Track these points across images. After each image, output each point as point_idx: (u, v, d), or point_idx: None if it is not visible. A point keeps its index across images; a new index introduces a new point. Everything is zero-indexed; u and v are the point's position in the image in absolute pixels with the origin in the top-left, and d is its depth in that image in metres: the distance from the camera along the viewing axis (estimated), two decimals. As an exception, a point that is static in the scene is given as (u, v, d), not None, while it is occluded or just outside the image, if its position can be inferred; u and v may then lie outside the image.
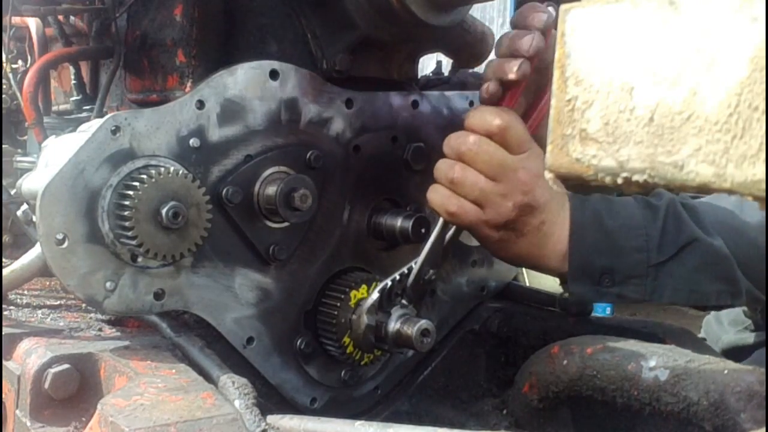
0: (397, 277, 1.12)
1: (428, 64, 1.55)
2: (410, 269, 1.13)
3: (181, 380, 0.94)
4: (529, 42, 1.11)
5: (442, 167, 1.12)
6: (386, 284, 1.11)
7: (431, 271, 1.14)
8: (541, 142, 1.14)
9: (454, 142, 1.12)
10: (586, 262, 1.15)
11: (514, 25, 1.16)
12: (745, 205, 1.23)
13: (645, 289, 1.16)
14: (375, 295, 1.10)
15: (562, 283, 1.21)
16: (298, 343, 1.16)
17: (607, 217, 1.16)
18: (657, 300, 1.17)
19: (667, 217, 1.17)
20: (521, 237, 1.14)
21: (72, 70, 1.42)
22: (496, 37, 1.49)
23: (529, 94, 1.19)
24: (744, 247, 1.19)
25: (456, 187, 1.11)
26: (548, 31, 1.14)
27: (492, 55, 1.32)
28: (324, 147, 1.15)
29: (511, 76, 1.11)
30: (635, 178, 0.51)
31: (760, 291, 1.22)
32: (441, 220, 1.14)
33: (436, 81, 1.44)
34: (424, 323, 1.07)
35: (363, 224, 1.21)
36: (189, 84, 1.13)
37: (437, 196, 1.12)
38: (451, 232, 1.15)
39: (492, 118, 1.11)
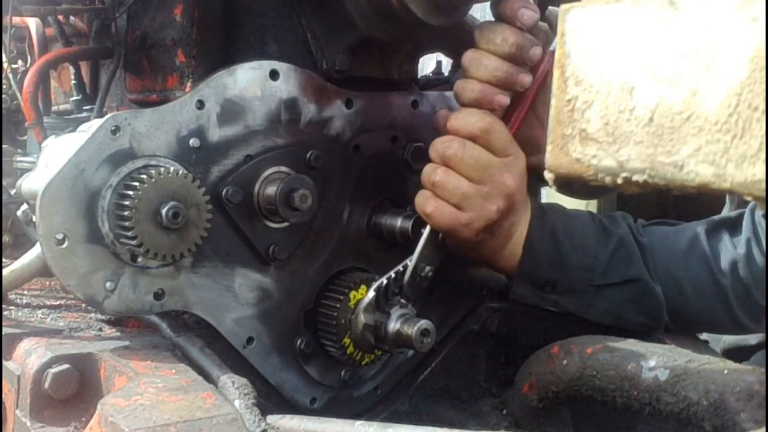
0: (393, 275, 1.12)
1: (428, 64, 1.55)
2: (405, 267, 1.13)
3: (181, 380, 0.94)
4: (537, 54, 1.13)
5: (426, 171, 1.14)
6: (382, 282, 1.11)
7: (427, 268, 1.14)
8: (525, 143, 1.16)
9: (439, 146, 1.13)
10: (535, 270, 1.21)
11: (498, 15, 1.15)
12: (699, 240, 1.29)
13: (580, 303, 1.24)
14: (371, 294, 1.10)
15: (508, 280, 1.27)
16: (298, 343, 1.16)
17: (562, 233, 1.21)
18: (587, 315, 1.25)
19: (618, 247, 1.24)
20: (492, 238, 1.17)
21: (72, 70, 1.42)
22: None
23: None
24: (676, 298, 1.27)
25: (437, 190, 1.12)
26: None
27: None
28: (324, 147, 1.15)
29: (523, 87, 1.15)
30: (635, 178, 0.51)
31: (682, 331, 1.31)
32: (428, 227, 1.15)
33: (436, 81, 1.44)
34: (424, 323, 1.07)
35: (363, 224, 1.21)
36: (189, 84, 1.13)
37: (419, 198, 1.14)
38: None
39: (475, 120, 1.12)
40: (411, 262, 1.13)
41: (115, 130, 0.98)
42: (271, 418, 0.90)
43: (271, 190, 1.07)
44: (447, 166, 1.12)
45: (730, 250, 1.28)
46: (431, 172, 1.13)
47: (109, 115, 0.99)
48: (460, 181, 1.11)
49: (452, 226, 1.13)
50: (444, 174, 1.12)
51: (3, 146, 1.68)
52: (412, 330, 1.06)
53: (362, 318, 1.10)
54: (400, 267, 1.13)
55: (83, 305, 1.27)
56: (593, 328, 1.26)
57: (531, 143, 1.19)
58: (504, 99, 1.14)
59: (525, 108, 1.19)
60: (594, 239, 1.23)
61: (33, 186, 1.14)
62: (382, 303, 1.11)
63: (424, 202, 1.13)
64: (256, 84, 1.09)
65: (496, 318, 1.37)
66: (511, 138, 1.15)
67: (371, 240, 1.23)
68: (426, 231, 1.15)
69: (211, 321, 1.08)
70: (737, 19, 0.45)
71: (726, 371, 0.92)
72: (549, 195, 2.12)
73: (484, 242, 1.17)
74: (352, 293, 1.14)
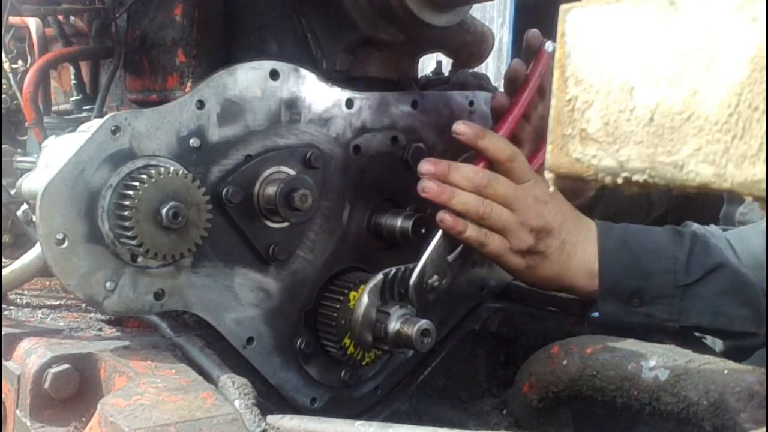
0: (403, 269, 1.12)
1: (428, 64, 1.55)
2: (414, 267, 1.13)
3: (181, 380, 0.94)
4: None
5: (472, 203, 1.14)
6: (391, 271, 1.11)
7: (435, 277, 1.14)
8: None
9: (472, 176, 1.15)
10: (616, 283, 1.20)
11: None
12: None
13: (672, 309, 1.20)
14: (379, 276, 1.10)
15: (590, 303, 1.26)
16: (298, 343, 1.16)
17: (633, 242, 1.21)
18: (684, 321, 1.21)
19: (694, 243, 1.22)
20: (545, 260, 1.19)
21: (72, 70, 1.42)
22: (497, 37, 1.49)
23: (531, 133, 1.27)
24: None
25: (485, 221, 1.15)
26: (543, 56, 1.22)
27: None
28: (324, 147, 1.15)
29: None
30: (635, 178, 0.51)
31: None
32: (440, 231, 1.16)
33: (436, 81, 1.44)
34: (424, 323, 1.07)
35: (363, 224, 1.21)
36: (189, 84, 1.13)
37: (472, 231, 1.15)
38: (461, 248, 1.18)
39: (505, 146, 1.17)
40: (419, 264, 1.13)
41: (115, 130, 0.98)
42: (271, 418, 0.90)
43: (271, 190, 1.07)
44: (481, 194, 1.15)
45: None
46: (478, 204, 1.14)
47: (109, 115, 0.99)
48: (501, 210, 1.15)
49: (503, 252, 1.17)
50: (489, 206, 1.15)
51: (3, 146, 1.68)
52: (412, 330, 1.06)
53: (366, 299, 1.09)
54: (410, 265, 1.13)
55: (83, 305, 1.26)
56: (593, 328, 1.26)
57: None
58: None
59: (518, 115, 1.23)
60: (667, 241, 1.22)
61: (33, 186, 1.14)
62: (386, 293, 1.11)
63: (479, 234, 1.15)
64: (256, 84, 1.09)
65: (496, 318, 1.37)
66: (528, 164, 1.20)
67: (371, 240, 1.23)
68: (436, 237, 1.15)
69: (211, 321, 1.08)
70: (737, 19, 0.45)
71: (726, 371, 0.92)
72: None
73: (539, 267, 1.20)
74: (352, 293, 1.14)
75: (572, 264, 1.21)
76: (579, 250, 1.21)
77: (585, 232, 1.22)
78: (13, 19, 1.51)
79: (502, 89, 1.36)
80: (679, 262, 1.20)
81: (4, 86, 1.75)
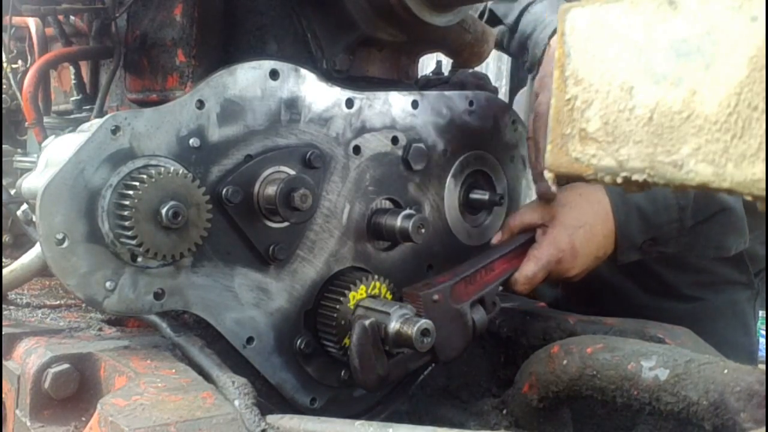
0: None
1: (428, 64, 1.55)
2: None
3: (181, 380, 0.94)
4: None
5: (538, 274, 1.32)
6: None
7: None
8: None
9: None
10: (631, 240, 1.39)
11: None
12: None
13: (680, 245, 1.43)
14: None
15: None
16: (298, 343, 1.16)
17: (645, 203, 1.38)
18: (690, 253, 1.47)
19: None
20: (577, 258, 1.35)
21: (72, 70, 1.42)
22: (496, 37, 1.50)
23: None
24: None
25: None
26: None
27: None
28: (324, 147, 1.15)
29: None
30: (635, 177, 0.51)
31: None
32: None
33: (436, 81, 1.44)
34: (424, 323, 1.07)
35: (363, 224, 1.21)
36: (189, 84, 1.13)
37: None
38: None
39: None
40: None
41: (115, 130, 0.98)
42: (271, 418, 0.90)
43: (271, 190, 1.07)
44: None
45: None
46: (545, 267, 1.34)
47: (109, 115, 0.99)
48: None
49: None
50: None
51: (3, 146, 1.68)
52: (412, 330, 1.06)
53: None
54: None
55: (83, 305, 1.27)
56: (593, 328, 1.26)
57: None
58: None
59: None
60: (674, 194, 1.38)
61: (33, 186, 1.14)
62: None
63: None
64: (256, 84, 1.09)
65: (497, 318, 1.37)
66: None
67: (371, 240, 1.23)
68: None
69: (211, 321, 1.08)
70: (737, 19, 0.45)
71: (726, 371, 0.92)
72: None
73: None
74: (352, 293, 1.14)
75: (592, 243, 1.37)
76: (590, 223, 1.36)
77: (593, 198, 1.37)
78: (13, 19, 1.51)
79: (502, 90, 1.37)
80: (684, 210, 1.38)
81: (4, 86, 1.75)
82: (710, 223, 1.41)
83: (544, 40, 1.48)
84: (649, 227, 1.39)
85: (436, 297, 1.16)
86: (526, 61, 1.66)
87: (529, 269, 1.31)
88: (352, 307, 1.13)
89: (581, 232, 1.34)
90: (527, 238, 1.34)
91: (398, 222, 1.19)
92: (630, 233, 1.38)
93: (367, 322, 1.07)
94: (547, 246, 1.32)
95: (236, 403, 0.90)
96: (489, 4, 1.73)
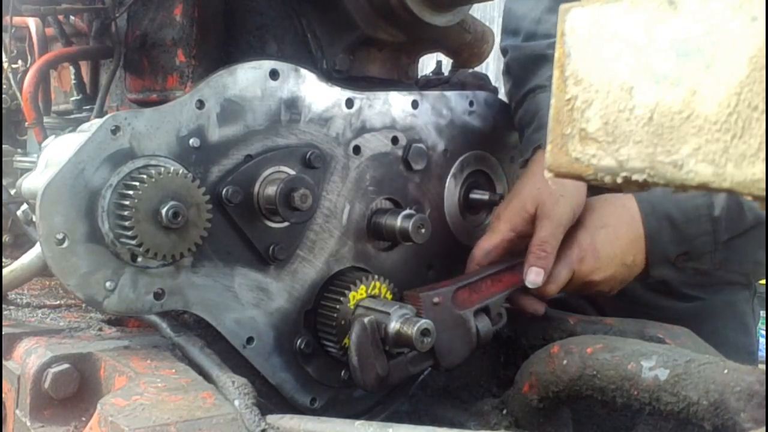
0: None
1: (428, 64, 1.55)
2: None
3: (181, 380, 0.94)
4: None
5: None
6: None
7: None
8: None
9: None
10: (664, 254, 1.34)
11: None
12: None
13: (715, 260, 1.36)
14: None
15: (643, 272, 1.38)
16: (298, 343, 1.16)
17: (675, 212, 1.33)
18: (726, 271, 1.40)
19: (729, 201, 1.34)
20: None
21: (72, 70, 1.42)
22: (497, 37, 1.49)
23: None
24: None
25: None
26: None
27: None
28: (324, 147, 1.15)
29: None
30: (635, 177, 0.51)
31: None
32: None
33: (436, 81, 1.44)
34: (424, 323, 1.07)
35: (363, 224, 1.21)
36: (189, 84, 1.13)
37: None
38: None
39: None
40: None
41: (115, 130, 0.98)
42: (271, 418, 0.90)
43: (271, 190, 1.07)
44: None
45: None
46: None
47: (109, 115, 0.99)
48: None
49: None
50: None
51: (3, 146, 1.68)
52: (412, 330, 1.06)
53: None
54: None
55: (83, 305, 1.27)
56: (593, 328, 1.26)
57: None
58: None
59: None
60: (704, 204, 1.33)
61: (33, 186, 1.14)
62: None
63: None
64: (256, 84, 1.09)
65: (502, 329, 1.37)
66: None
67: (371, 240, 1.23)
68: None
69: (211, 321, 1.08)
70: (737, 19, 0.45)
71: (726, 371, 0.92)
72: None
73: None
74: (352, 293, 1.14)
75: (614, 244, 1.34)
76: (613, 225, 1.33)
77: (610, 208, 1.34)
78: (14, 19, 1.51)
79: (502, 90, 1.36)
80: (718, 222, 1.33)
81: (4, 86, 1.75)
82: (745, 238, 1.36)
83: (534, 142, 1.40)
84: (681, 239, 1.34)
85: (437, 299, 1.16)
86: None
87: (564, 277, 1.28)
88: (352, 307, 1.13)
89: (603, 232, 1.31)
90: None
91: (398, 222, 1.19)
92: (661, 244, 1.34)
93: (366, 320, 1.07)
94: (569, 245, 1.29)
95: (236, 403, 0.90)
96: (510, 57, 1.61)
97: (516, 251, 1.30)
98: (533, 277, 1.26)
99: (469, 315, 1.20)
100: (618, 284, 1.35)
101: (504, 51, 1.63)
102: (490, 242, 1.29)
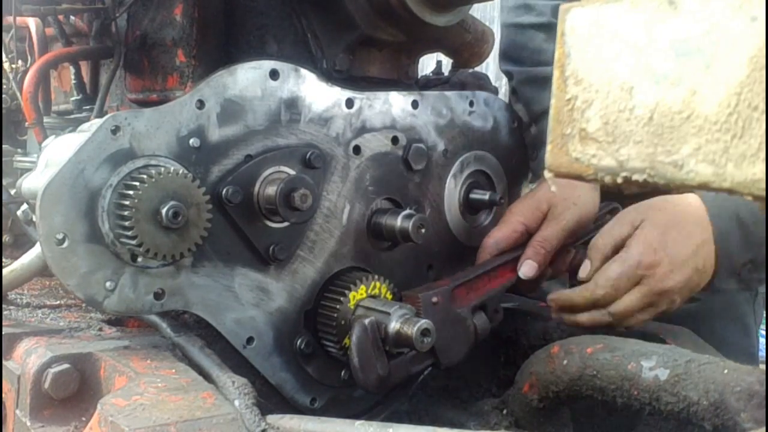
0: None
1: (428, 64, 1.55)
2: None
3: (181, 380, 0.94)
4: None
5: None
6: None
7: None
8: None
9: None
10: (731, 261, 1.22)
11: None
12: None
13: None
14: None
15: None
16: (298, 343, 1.16)
17: (744, 212, 1.21)
18: None
19: None
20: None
21: (72, 70, 1.42)
22: (497, 37, 1.49)
23: None
24: None
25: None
26: None
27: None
28: (324, 147, 1.15)
29: None
30: (635, 177, 0.51)
31: None
32: None
33: (436, 81, 1.44)
34: (424, 323, 1.07)
35: (363, 224, 1.21)
36: (189, 84, 1.13)
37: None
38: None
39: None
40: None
41: (115, 130, 0.98)
42: (271, 418, 0.90)
43: (271, 190, 1.07)
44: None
45: None
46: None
47: (109, 115, 0.99)
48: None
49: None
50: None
51: (3, 146, 1.68)
52: (412, 330, 1.06)
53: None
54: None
55: (83, 305, 1.26)
56: (593, 328, 1.26)
57: None
58: None
59: None
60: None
61: (33, 186, 1.14)
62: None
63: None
64: (256, 84, 1.09)
65: (499, 326, 1.37)
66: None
67: (371, 240, 1.23)
68: None
69: (211, 321, 1.08)
70: (737, 19, 0.45)
71: (726, 371, 0.92)
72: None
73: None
74: (352, 293, 1.14)
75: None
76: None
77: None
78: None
79: (502, 90, 1.36)
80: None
81: (4, 86, 1.75)
82: None
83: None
84: (749, 242, 1.21)
85: (435, 299, 1.16)
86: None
87: (613, 270, 1.17)
88: (352, 307, 1.13)
89: (674, 232, 1.18)
90: None
91: (398, 222, 1.19)
92: (731, 247, 1.22)
93: (366, 321, 1.07)
94: (637, 245, 1.17)
95: (236, 403, 0.90)
96: (516, 82, 1.63)
97: (524, 243, 1.31)
98: (526, 269, 1.27)
99: (467, 313, 1.21)
100: (688, 293, 1.22)
101: (508, 75, 1.63)
102: (501, 233, 1.30)
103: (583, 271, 1.22)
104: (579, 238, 1.36)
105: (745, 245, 1.21)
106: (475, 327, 1.21)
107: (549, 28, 1.59)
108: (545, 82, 1.50)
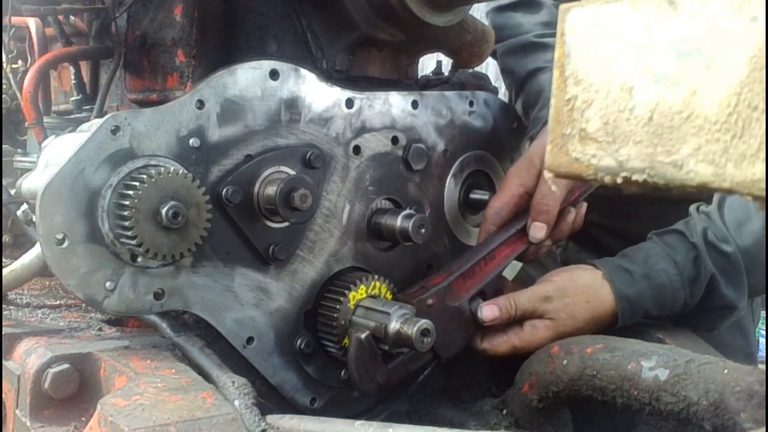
0: None
1: (428, 64, 1.55)
2: None
3: (181, 380, 0.94)
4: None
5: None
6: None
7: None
8: None
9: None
10: (635, 314, 1.28)
11: None
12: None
13: (686, 320, 1.34)
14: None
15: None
16: (298, 343, 1.16)
17: (652, 308, 1.28)
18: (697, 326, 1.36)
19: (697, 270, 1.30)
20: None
21: (72, 70, 1.42)
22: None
23: None
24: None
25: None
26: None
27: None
28: (324, 147, 1.15)
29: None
30: (635, 177, 0.51)
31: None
32: None
33: (436, 81, 1.44)
34: (424, 323, 1.07)
35: (363, 224, 1.21)
36: (189, 84, 1.13)
37: None
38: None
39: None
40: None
41: (115, 130, 0.98)
42: (271, 418, 0.90)
43: (271, 190, 1.07)
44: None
45: None
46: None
47: (109, 115, 0.99)
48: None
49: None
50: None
51: (3, 146, 1.68)
52: (412, 330, 1.06)
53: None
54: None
55: (83, 305, 1.27)
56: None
57: None
58: None
59: None
60: (672, 270, 1.28)
61: (33, 186, 1.14)
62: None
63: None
64: (256, 84, 1.09)
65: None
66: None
67: (371, 240, 1.23)
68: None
69: (211, 321, 1.08)
70: (737, 19, 0.45)
71: (726, 371, 0.92)
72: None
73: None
74: (352, 293, 1.14)
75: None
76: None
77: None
78: (13, 19, 1.51)
79: (501, 90, 1.37)
80: (686, 296, 1.29)
81: (4, 86, 1.75)
82: (709, 313, 1.34)
83: (541, 119, 1.41)
84: (652, 318, 1.31)
85: (430, 302, 1.16)
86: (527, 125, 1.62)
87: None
88: (352, 307, 1.13)
89: (570, 307, 1.24)
90: (525, 222, 1.29)
91: (398, 222, 1.19)
92: (632, 306, 1.28)
93: (363, 336, 1.07)
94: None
95: (236, 403, 0.90)
96: (499, 57, 1.73)
97: (526, 209, 1.29)
98: (536, 232, 1.26)
99: (465, 304, 1.20)
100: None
101: (493, 54, 1.67)
102: (500, 200, 1.29)
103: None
104: (581, 194, 1.33)
105: (649, 300, 1.27)
106: (472, 314, 1.21)
107: (526, 5, 1.75)
108: (525, 48, 1.63)
